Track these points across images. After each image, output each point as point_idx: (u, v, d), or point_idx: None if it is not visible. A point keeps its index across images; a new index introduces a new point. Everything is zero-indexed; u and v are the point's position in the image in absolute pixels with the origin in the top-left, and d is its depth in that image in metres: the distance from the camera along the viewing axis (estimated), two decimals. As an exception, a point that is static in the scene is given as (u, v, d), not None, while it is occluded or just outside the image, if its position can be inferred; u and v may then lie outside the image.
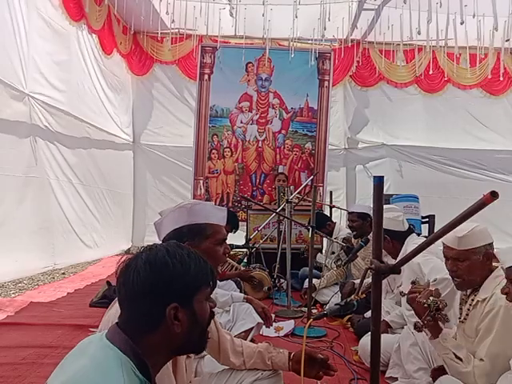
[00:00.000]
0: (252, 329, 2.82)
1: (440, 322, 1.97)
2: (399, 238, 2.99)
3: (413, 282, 2.17)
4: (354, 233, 4.26)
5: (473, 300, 2.01)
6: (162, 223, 1.71)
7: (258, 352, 1.79)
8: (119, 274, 1.08)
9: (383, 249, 3.00)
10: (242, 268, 4.44)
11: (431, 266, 2.65)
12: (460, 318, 2.08)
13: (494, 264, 2.05)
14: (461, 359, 1.88)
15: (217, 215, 1.76)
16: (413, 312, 2.09)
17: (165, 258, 1.06)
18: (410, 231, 3.08)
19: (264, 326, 2.89)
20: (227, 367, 1.84)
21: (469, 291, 2.08)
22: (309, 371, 1.70)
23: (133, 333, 1.04)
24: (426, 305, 1.92)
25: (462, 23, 5.39)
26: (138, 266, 1.05)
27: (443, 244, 2.10)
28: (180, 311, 1.04)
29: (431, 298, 1.93)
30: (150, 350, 1.04)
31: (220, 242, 1.73)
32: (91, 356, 0.99)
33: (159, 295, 1.03)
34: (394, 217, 3.03)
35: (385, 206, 3.56)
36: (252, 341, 2.80)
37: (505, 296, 1.79)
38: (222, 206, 6.62)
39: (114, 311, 1.45)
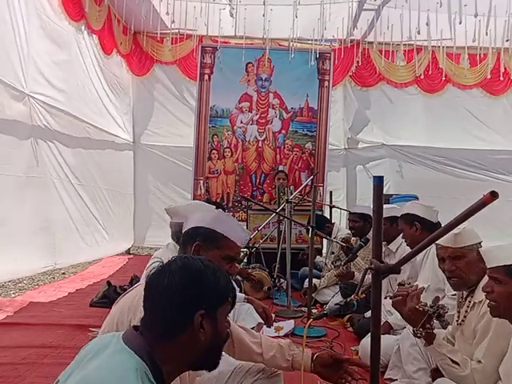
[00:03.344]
0: (252, 329, 2.82)
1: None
2: (429, 228, 2.85)
3: (400, 284, 2.13)
4: (353, 232, 4.27)
5: (470, 302, 2.01)
6: (190, 219, 1.76)
7: (278, 346, 1.76)
8: (151, 276, 1.11)
9: (406, 237, 3.00)
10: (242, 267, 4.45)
11: None
12: (458, 321, 2.08)
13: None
14: (457, 363, 1.88)
15: (238, 234, 1.75)
16: None
17: (200, 266, 1.10)
18: (438, 226, 2.94)
19: (264, 326, 2.89)
20: (227, 368, 1.83)
21: (465, 294, 2.08)
22: (331, 375, 1.66)
23: (154, 337, 1.05)
24: (428, 313, 1.87)
25: (460, 23, 5.39)
26: (173, 270, 1.08)
27: (437, 245, 2.10)
28: (205, 320, 1.06)
29: (429, 305, 1.89)
30: (168, 357, 1.05)
31: (227, 258, 1.71)
32: (108, 358, 1.00)
33: (191, 300, 1.06)
34: (428, 206, 2.98)
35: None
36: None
37: None
38: (223, 205, 6.62)
39: (119, 311, 1.46)
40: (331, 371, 1.67)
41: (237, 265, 4.15)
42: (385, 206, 2.95)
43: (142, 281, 1.85)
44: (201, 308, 1.05)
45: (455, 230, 1.98)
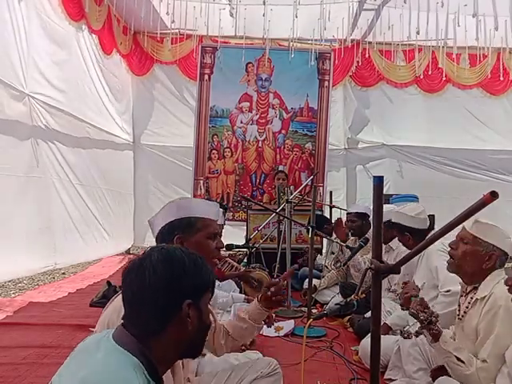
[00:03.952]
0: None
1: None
2: (419, 237, 2.86)
3: (404, 283, 2.16)
4: (352, 232, 4.27)
5: (472, 298, 2.02)
6: (155, 220, 1.73)
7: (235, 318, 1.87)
8: (127, 273, 1.08)
9: (403, 244, 3.02)
10: (242, 268, 4.44)
11: (448, 274, 2.48)
12: (458, 316, 2.08)
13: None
14: (463, 361, 1.88)
15: (208, 210, 1.76)
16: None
17: (181, 256, 1.08)
18: (430, 228, 2.99)
19: (265, 326, 2.89)
20: (227, 367, 1.85)
21: (468, 289, 2.08)
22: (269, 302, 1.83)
23: (142, 333, 1.05)
24: (420, 319, 1.92)
25: (458, 25, 5.40)
26: (153, 264, 1.06)
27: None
28: (191, 309, 1.06)
29: (422, 313, 1.92)
30: (158, 351, 1.05)
31: (211, 236, 1.72)
32: (103, 360, 1.00)
33: (176, 291, 1.05)
34: (415, 214, 2.95)
35: (390, 205, 3.54)
36: (253, 341, 2.81)
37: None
38: (225, 206, 6.62)
39: (111, 311, 1.45)
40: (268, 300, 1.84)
41: (238, 266, 4.18)
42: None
43: None
44: (187, 298, 1.05)
45: (480, 218, 1.99)
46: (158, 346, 1.05)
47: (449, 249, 2.14)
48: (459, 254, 2.03)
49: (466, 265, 2.01)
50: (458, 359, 1.89)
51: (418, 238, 2.87)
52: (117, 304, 1.45)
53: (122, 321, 1.10)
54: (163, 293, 1.03)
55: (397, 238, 3.27)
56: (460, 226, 2.05)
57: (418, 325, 1.99)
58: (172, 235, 1.65)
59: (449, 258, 2.10)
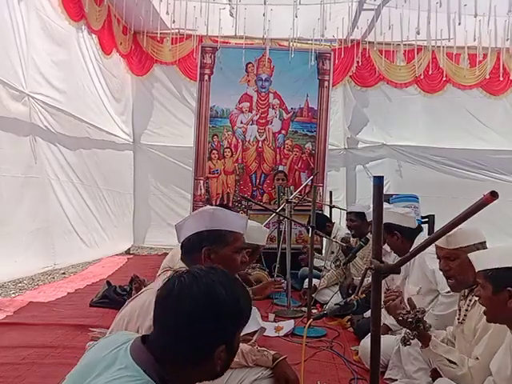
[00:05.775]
0: (256, 332, 2.82)
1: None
2: (409, 235, 2.89)
3: (387, 290, 2.17)
4: (353, 232, 4.28)
5: (470, 300, 2.02)
6: (183, 226, 1.69)
7: (240, 353, 1.83)
8: (165, 296, 1.03)
9: (390, 246, 3.01)
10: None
11: None
12: (459, 319, 2.08)
13: None
14: (455, 363, 1.88)
15: (238, 223, 1.73)
16: None
17: (223, 294, 1.02)
18: (419, 230, 3.01)
19: (266, 326, 2.89)
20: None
21: (466, 292, 2.08)
22: None
23: (166, 360, 1.00)
24: (408, 320, 1.91)
25: (459, 24, 5.39)
26: (195, 296, 1.00)
27: (435, 244, 2.11)
28: (224, 352, 1.03)
29: (410, 313, 1.92)
30: (179, 377, 1.02)
31: (238, 250, 1.71)
32: (116, 376, 0.97)
33: (213, 335, 1.01)
34: (405, 212, 2.97)
35: (387, 205, 3.56)
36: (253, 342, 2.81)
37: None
38: (222, 205, 6.61)
39: (129, 315, 1.45)
40: None
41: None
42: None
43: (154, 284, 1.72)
44: (223, 343, 1.01)
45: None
46: (180, 374, 1.02)
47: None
48: (456, 271, 2.05)
49: (466, 276, 2.02)
50: (450, 361, 1.89)
51: (408, 238, 2.88)
52: (133, 310, 1.44)
53: (141, 331, 1.08)
54: (200, 333, 0.99)
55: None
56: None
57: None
58: (200, 246, 1.62)
59: (450, 280, 2.10)
